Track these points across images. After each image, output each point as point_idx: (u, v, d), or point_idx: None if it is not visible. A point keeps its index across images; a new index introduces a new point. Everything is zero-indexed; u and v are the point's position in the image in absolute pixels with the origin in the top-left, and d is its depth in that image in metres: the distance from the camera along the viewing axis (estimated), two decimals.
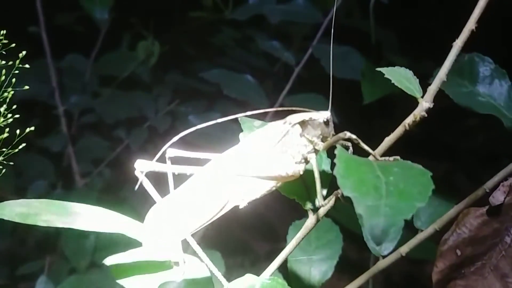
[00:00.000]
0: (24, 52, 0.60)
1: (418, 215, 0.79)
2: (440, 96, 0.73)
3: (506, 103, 0.74)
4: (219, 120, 0.48)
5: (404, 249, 0.78)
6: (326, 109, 1.40)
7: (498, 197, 0.71)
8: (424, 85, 0.63)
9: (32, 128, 0.63)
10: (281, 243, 0.72)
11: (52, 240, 1.41)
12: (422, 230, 0.78)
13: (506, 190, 0.70)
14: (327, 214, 0.68)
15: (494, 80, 0.76)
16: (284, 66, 1.50)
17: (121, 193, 1.40)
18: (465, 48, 0.80)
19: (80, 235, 1.31)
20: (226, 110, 1.46)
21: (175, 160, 0.55)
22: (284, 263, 0.92)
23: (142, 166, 0.47)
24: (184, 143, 0.63)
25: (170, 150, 0.54)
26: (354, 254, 0.99)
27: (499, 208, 0.71)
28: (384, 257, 0.80)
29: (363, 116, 1.37)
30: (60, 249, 1.33)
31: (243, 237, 1.66)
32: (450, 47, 0.53)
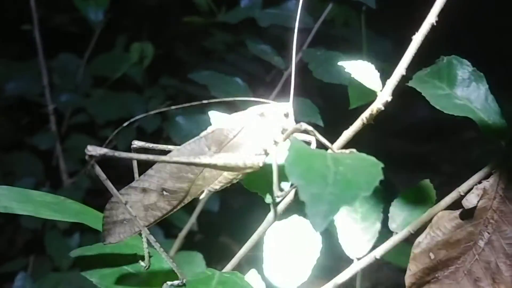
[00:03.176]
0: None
1: (393, 218, 0.79)
2: (436, 109, 0.73)
3: (482, 106, 0.74)
4: (173, 108, 0.48)
5: (378, 252, 0.77)
6: (315, 113, 1.39)
7: (471, 200, 0.70)
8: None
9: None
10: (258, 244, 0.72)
11: (39, 240, 1.40)
12: (396, 233, 0.77)
13: (479, 193, 0.70)
14: (305, 216, 0.67)
15: (471, 83, 0.76)
16: (279, 72, 1.50)
17: (108, 193, 1.39)
18: (445, 52, 0.80)
19: (65, 234, 1.31)
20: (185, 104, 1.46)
21: (140, 152, 0.55)
22: (259, 262, 0.91)
23: (92, 151, 0.47)
24: (169, 143, 0.62)
25: (135, 142, 0.54)
26: (330, 258, 0.98)
27: (472, 211, 0.70)
28: (358, 259, 0.80)
29: (351, 122, 1.37)
30: (44, 248, 1.33)
31: (230, 243, 1.66)
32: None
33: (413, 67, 0.71)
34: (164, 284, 0.49)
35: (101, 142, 1.50)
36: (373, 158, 0.41)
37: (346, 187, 0.36)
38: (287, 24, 1.34)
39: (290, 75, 1.38)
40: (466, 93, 0.75)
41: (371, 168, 0.39)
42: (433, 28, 0.57)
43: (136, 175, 0.54)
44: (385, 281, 1.52)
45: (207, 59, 1.67)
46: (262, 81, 1.59)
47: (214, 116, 0.59)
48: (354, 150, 0.48)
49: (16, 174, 1.44)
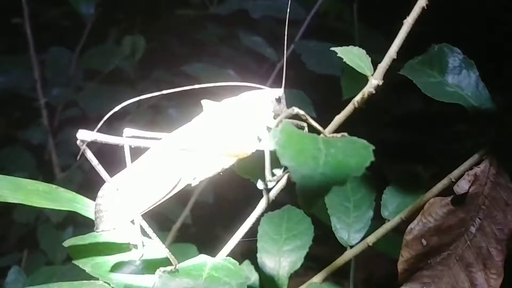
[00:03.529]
0: None
1: (385, 205, 0.79)
2: (429, 101, 0.74)
3: (473, 93, 0.74)
4: (164, 92, 0.48)
5: (371, 239, 0.78)
6: (308, 105, 1.40)
7: (463, 186, 0.70)
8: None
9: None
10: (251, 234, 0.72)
11: (32, 234, 1.40)
12: (389, 220, 0.78)
13: (471, 179, 0.70)
14: (299, 206, 0.67)
15: (462, 70, 0.76)
16: (268, 64, 1.50)
17: (101, 184, 1.39)
18: (436, 39, 0.81)
19: (58, 228, 1.31)
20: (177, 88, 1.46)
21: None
22: (251, 255, 0.92)
23: (84, 136, 0.47)
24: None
25: (126, 129, 0.54)
26: (323, 246, 0.98)
27: (464, 197, 0.71)
28: (351, 247, 0.80)
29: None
30: (37, 242, 1.32)
31: (225, 236, 1.65)
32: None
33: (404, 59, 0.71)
34: (157, 271, 0.49)
35: None
36: (364, 141, 0.42)
37: (337, 168, 0.37)
38: (279, 16, 1.34)
39: (282, 67, 1.38)
40: (457, 81, 0.75)
41: (362, 150, 0.39)
42: (423, 21, 0.57)
43: (128, 161, 0.54)
44: (379, 271, 1.53)
45: (200, 52, 1.67)
46: (255, 73, 1.59)
47: (207, 104, 0.59)
48: (345, 134, 0.48)
49: (7, 169, 1.43)
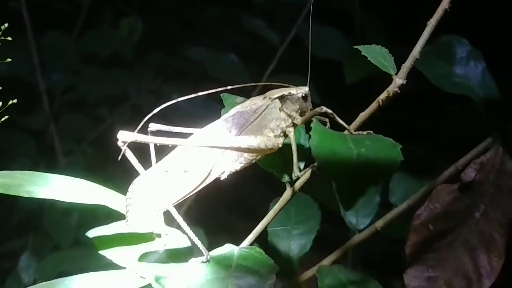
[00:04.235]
0: (6, 25, 0.59)
1: (393, 191, 0.82)
2: (421, 80, 0.76)
3: (480, 84, 0.76)
4: (200, 94, 0.49)
5: (379, 224, 0.81)
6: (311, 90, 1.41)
7: (469, 174, 0.73)
8: None
9: (15, 101, 0.63)
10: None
11: (35, 219, 1.41)
12: (396, 206, 0.81)
13: (477, 167, 0.73)
14: (307, 192, 0.70)
15: (469, 61, 0.79)
16: (269, 47, 1.50)
17: (105, 172, 1.40)
18: (444, 30, 0.82)
19: (64, 213, 1.32)
20: (210, 89, 1.47)
21: (157, 135, 0.56)
22: (264, 239, 0.95)
23: (124, 137, 0.49)
24: (168, 123, 0.64)
25: (152, 124, 0.55)
26: (332, 231, 1.02)
27: (470, 185, 0.74)
28: (360, 231, 0.83)
29: (346, 97, 1.39)
30: (43, 227, 1.34)
31: (226, 216, 1.68)
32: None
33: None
34: (190, 260, 0.52)
35: (94, 120, 1.49)
36: (391, 140, 0.44)
37: (370, 168, 0.39)
38: None
39: (284, 52, 1.39)
40: (464, 71, 0.78)
41: (390, 150, 0.42)
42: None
43: (153, 157, 0.56)
44: (376, 252, 1.57)
45: (198, 34, 1.66)
46: (255, 56, 1.59)
47: (226, 98, 0.61)
48: (371, 131, 0.50)
49: (9, 155, 1.43)
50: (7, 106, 0.62)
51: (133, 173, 0.57)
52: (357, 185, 0.37)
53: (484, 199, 0.74)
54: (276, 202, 0.91)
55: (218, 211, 1.65)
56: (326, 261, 0.85)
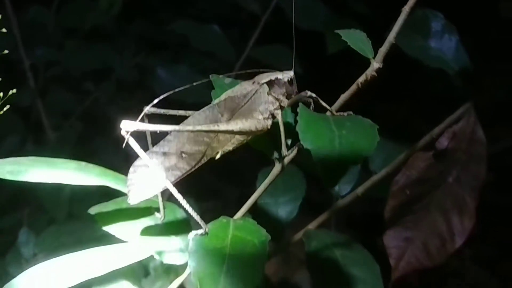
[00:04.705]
0: None
1: (372, 160, 0.88)
2: None
3: (454, 57, 0.81)
4: (195, 84, 0.52)
5: (360, 190, 0.87)
6: (291, 60, 1.44)
7: (443, 143, 0.79)
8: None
9: (14, 91, 0.65)
10: (249, 188, 0.79)
11: (26, 194, 1.43)
12: (376, 173, 0.86)
13: (450, 136, 0.79)
14: (292, 161, 0.74)
15: (444, 35, 0.82)
16: (250, 16, 1.51)
17: (92, 145, 1.42)
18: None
19: (56, 188, 1.35)
20: (193, 61, 1.48)
21: (152, 117, 0.60)
22: (253, 207, 1.00)
23: (127, 126, 0.52)
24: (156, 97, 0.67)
25: (147, 108, 0.58)
26: (316, 197, 1.08)
27: (444, 152, 0.80)
28: (342, 197, 0.89)
29: (327, 66, 1.43)
30: (36, 202, 1.37)
31: (214, 184, 1.73)
32: None
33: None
34: (190, 234, 0.56)
35: (81, 95, 1.50)
36: (368, 120, 0.48)
37: (351, 150, 0.43)
38: None
39: (266, 22, 1.40)
40: (440, 45, 0.82)
41: (368, 130, 0.46)
42: None
43: (149, 141, 0.60)
44: (358, 212, 1.65)
45: (179, 4, 1.65)
46: (236, 26, 1.60)
47: (216, 81, 0.64)
48: (351, 112, 0.55)
49: None
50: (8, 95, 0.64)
51: (120, 146, 0.60)
52: (339, 166, 0.42)
53: (457, 166, 0.80)
54: (264, 173, 0.96)
55: (206, 178, 1.70)
56: (311, 225, 0.91)
